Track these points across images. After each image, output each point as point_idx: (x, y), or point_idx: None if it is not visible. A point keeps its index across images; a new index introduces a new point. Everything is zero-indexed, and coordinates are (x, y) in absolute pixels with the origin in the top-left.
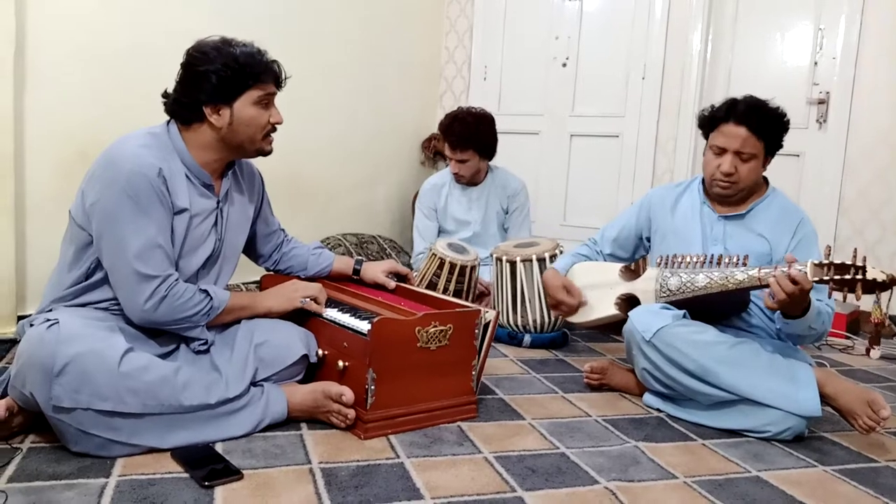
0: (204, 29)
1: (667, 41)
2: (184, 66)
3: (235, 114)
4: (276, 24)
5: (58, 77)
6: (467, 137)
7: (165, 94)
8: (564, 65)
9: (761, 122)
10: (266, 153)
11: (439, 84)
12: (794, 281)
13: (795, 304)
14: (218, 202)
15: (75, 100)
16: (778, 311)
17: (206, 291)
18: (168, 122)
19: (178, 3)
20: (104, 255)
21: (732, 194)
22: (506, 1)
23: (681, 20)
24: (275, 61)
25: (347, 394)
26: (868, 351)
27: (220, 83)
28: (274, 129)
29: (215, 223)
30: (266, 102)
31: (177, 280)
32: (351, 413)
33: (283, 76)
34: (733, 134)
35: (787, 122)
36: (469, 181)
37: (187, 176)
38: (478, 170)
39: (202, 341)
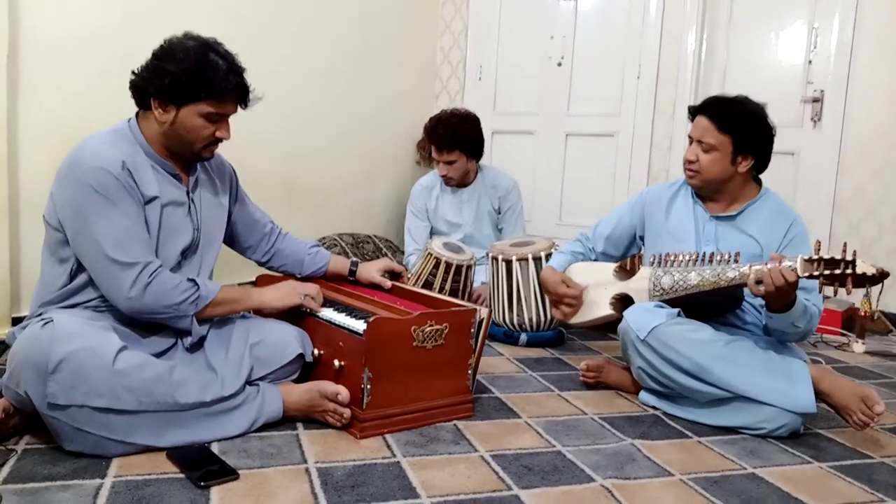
0: (201, 30)
1: (661, 40)
2: (153, 52)
3: (179, 117)
4: (273, 24)
5: (52, 79)
6: (452, 138)
7: (133, 72)
8: (560, 64)
9: (724, 115)
10: (204, 160)
11: (434, 84)
12: (783, 276)
13: (781, 296)
14: (188, 192)
15: (70, 101)
16: (764, 306)
17: (193, 281)
18: (129, 119)
19: (175, 3)
20: (82, 254)
21: (698, 185)
22: (500, 1)
23: (675, 19)
24: (241, 84)
25: (343, 393)
26: (851, 343)
27: (171, 85)
28: (219, 141)
29: (189, 213)
30: (216, 119)
31: (160, 267)
32: (347, 412)
33: (249, 99)
34: (697, 123)
35: (761, 119)
36: (459, 183)
37: (153, 167)
38: (466, 171)
39: (194, 337)
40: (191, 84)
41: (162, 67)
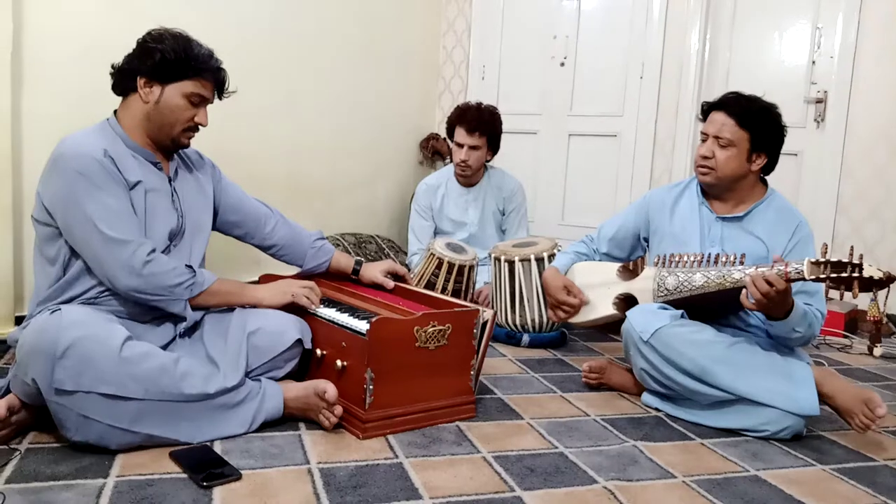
0: (204, 28)
1: (665, 40)
2: (137, 41)
3: (164, 95)
4: (275, 24)
5: (56, 77)
6: (483, 121)
7: (113, 66)
8: (563, 64)
9: (743, 110)
10: (181, 146)
11: (437, 84)
12: (768, 282)
13: (775, 305)
14: (169, 180)
15: (73, 100)
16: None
17: (190, 267)
18: (108, 118)
19: (178, 2)
20: (76, 240)
21: (712, 182)
22: (504, 0)
23: (679, 19)
24: (221, 69)
25: (330, 391)
26: (871, 350)
27: (160, 62)
28: (196, 129)
29: (172, 200)
30: (196, 101)
31: (155, 250)
32: (338, 409)
33: (226, 87)
34: (714, 119)
35: (777, 117)
36: (469, 180)
37: (134, 156)
38: (480, 165)
39: (188, 322)
40: (178, 62)
41: (151, 48)
